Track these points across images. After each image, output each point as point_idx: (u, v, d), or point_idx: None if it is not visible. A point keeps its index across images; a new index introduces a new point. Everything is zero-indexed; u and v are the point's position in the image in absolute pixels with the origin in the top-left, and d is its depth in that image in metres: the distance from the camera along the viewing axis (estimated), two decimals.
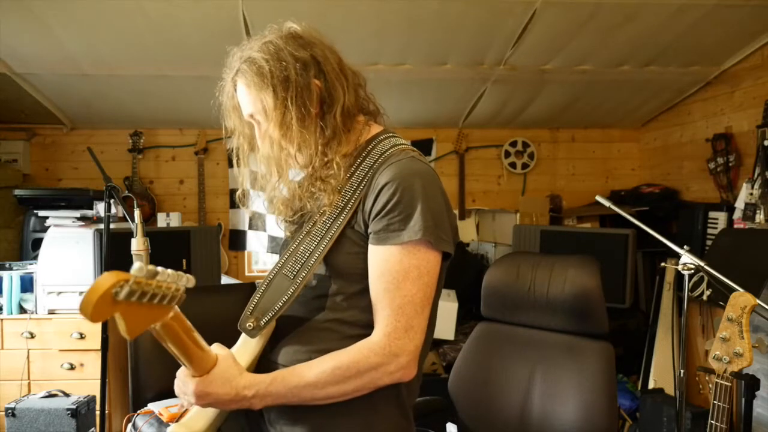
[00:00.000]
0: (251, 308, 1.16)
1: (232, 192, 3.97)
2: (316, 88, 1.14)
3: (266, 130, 1.15)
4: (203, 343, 1.03)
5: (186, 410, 1.16)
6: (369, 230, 1.11)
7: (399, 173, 1.08)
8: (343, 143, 1.16)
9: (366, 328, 1.12)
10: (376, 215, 1.09)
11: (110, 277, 0.72)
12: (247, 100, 1.16)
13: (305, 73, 1.12)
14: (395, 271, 1.07)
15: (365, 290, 1.12)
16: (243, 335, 1.18)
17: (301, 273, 1.14)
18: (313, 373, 1.08)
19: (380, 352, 1.07)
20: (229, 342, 1.19)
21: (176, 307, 0.87)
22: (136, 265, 0.75)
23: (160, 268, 0.77)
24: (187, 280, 0.82)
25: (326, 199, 1.14)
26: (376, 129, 1.23)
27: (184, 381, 1.07)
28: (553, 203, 3.93)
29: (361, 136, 1.20)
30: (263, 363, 1.18)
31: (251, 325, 1.14)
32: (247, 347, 1.17)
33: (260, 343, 1.18)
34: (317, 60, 1.14)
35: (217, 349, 1.10)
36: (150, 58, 3.00)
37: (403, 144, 1.18)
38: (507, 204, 4.07)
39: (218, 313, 2.09)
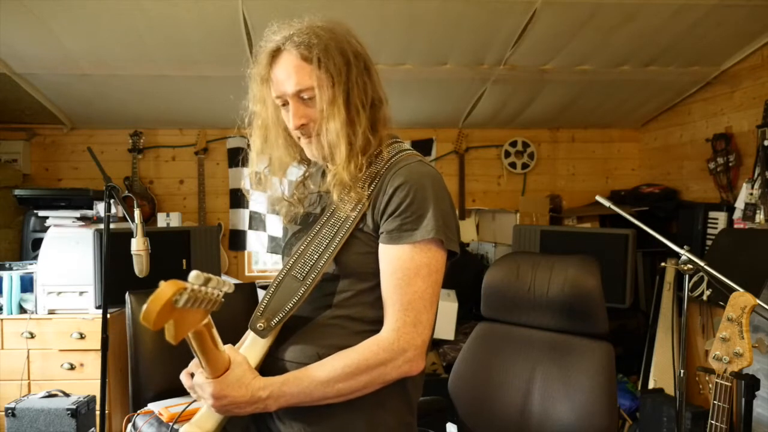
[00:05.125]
0: (261, 309, 1.18)
1: (233, 192, 3.97)
2: (368, 80, 1.17)
3: (316, 108, 1.13)
4: (220, 342, 1.05)
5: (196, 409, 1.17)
6: (381, 230, 1.14)
7: (411, 176, 1.12)
8: (372, 144, 1.17)
9: (372, 324, 1.15)
10: (390, 215, 1.12)
11: (171, 286, 0.76)
12: (300, 74, 1.12)
13: (358, 62, 1.15)
14: (407, 268, 1.10)
15: (373, 288, 1.15)
16: (252, 334, 1.19)
17: (310, 275, 1.16)
18: (323, 372, 1.10)
19: (388, 347, 1.10)
20: (229, 341, 1.19)
21: None
22: (193, 273, 0.79)
23: (211, 276, 0.82)
24: (229, 287, 0.88)
25: (335, 195, 1.16)
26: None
27: (201, 384, 1.09)
28: (553, 203, 3.92)
29: None
30: (270, 361, 1.19)
31: (262, 325, 1.17)
32: (256, 346, 1.20)
33: (268, 342, 1.20)
34: (365, 57, 1.17)
35: (231, 353, 1.12)
36: (150, 58, 3.00)
37: (408, 149, 1.22)
38: (507, 204, 4.07)
39: (218, 312, 2.09)
